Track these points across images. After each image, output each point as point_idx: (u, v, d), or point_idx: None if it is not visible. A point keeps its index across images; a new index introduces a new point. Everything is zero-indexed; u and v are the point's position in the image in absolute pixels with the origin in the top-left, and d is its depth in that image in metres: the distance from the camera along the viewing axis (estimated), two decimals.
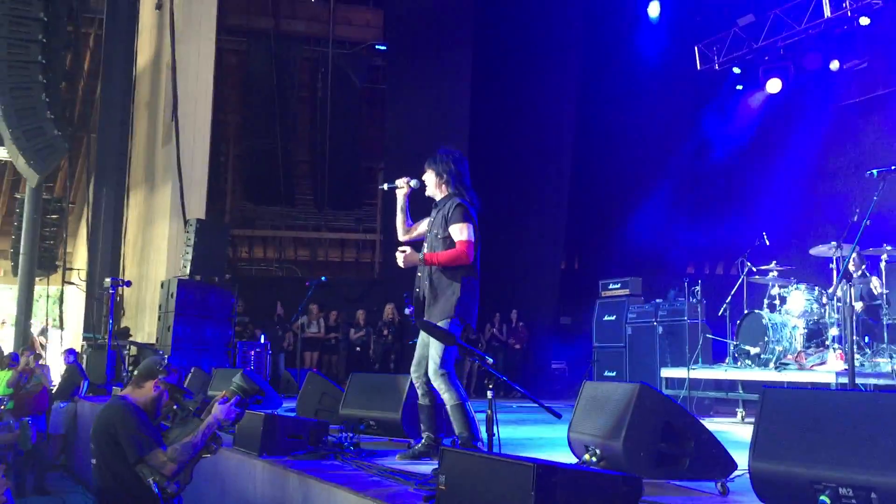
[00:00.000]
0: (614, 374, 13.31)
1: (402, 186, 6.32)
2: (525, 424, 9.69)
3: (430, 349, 5.87)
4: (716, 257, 20.80)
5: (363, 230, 25.59)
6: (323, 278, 11.80)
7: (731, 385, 11.20)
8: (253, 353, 14.43)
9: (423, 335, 6.01)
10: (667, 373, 11.74)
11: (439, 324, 5.69)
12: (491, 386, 4.60)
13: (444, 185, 6.12)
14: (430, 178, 6.16)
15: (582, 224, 20.34)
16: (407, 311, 6.08)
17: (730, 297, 11.33)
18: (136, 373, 5.22)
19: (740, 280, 11.37)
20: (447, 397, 5.80)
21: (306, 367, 16.11)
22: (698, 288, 12.10)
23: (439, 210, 6.08)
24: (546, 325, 18.81)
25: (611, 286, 14.18)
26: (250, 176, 24.91)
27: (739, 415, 10.75)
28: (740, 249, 11.72)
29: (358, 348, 18.02)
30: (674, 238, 18.37)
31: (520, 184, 19.48)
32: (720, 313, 11.42)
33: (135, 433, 4.78)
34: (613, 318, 13.71)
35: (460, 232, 5.84)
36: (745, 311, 11.14)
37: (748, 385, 10.87)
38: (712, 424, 7.40)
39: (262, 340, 14.98)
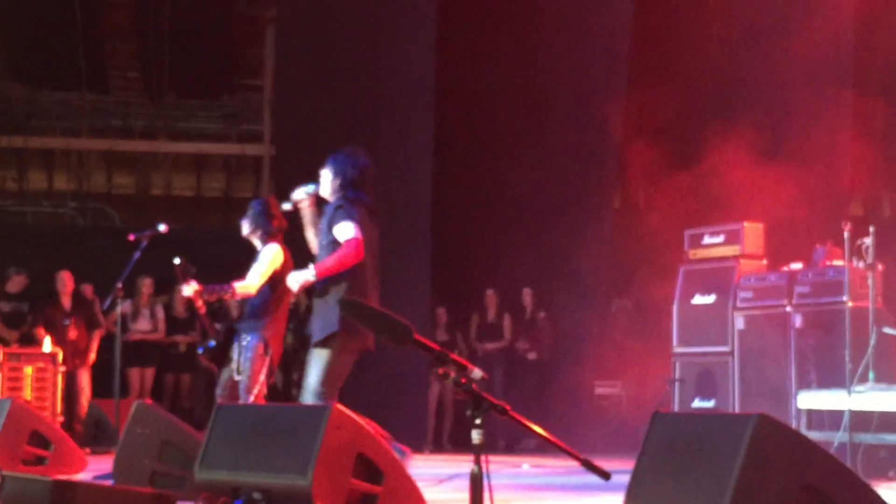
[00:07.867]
0: (712, 402, 9.06)
1: (303, 199, 5.93)
2: (546, 495, 6.85)
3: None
4: None
5: (237, 137, 15.65)
6: (162, 227, 7.79)
7: None
8: (32, 370, 9.66)
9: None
10: (810, 401, 7.82)
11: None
12: (478, 422, 2.86)
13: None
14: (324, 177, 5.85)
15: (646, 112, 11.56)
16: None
17: None
18: None
19: None
20: None
21: (132, 397, 10.78)
22: (869, 241, 7.59)
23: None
24: (585, 314, 11.88)
25: (706, 239, 9.22)
26: (19, 36, 14.94)
27: None
28: None
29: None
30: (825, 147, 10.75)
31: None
32: None
33: None
34: (711, 299, 9.09)
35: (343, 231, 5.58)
36: None
37: None
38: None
39: (49, 347, 10.12)
